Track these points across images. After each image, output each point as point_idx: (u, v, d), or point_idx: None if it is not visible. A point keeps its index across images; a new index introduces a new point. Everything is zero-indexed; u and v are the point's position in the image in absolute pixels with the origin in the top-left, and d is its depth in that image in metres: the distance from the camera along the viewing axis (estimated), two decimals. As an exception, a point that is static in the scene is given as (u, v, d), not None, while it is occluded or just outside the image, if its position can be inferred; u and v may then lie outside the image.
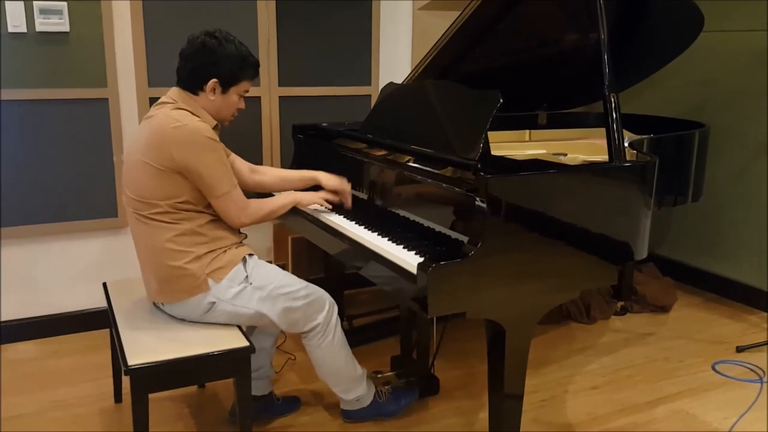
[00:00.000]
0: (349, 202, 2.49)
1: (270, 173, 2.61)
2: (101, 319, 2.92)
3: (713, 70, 3.72)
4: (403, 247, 2.02)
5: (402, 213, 2.27)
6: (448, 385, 2.75)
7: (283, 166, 3.38)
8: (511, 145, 2.93)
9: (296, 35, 3.38)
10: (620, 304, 3.63)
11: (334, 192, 2.48)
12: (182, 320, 2.18)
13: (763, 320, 3.51)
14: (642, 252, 2.14)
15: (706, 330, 3.40)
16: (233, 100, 2.21)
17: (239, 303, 2.14)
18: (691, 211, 3.74)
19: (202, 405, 2.62)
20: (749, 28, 3.48)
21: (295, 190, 2.55)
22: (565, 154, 2.84)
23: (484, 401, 2.63)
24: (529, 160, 2.35)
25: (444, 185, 2.04)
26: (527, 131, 3.25)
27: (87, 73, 3.00)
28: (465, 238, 1.92)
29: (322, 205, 2.47)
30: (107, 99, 3.06)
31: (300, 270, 3.22)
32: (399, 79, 2.94)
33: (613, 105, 2.20)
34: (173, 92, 2.18)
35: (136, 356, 1.95)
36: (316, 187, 2.54)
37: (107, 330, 2.45)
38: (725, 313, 3.62)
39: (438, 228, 2.07)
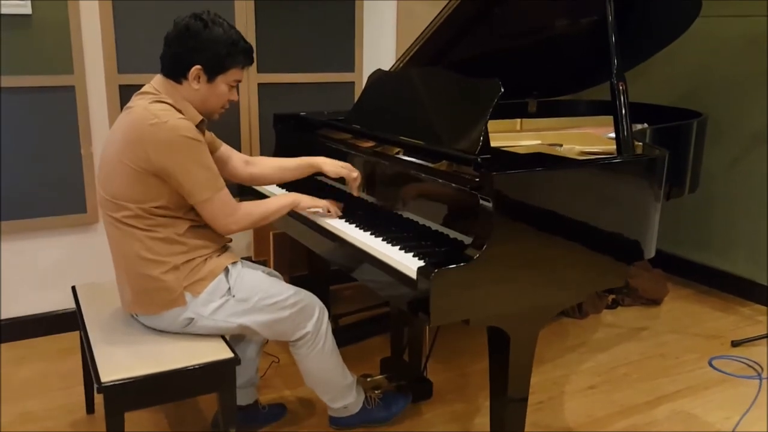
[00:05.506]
0: (356, 191, 2.27)
1: (265, 163, 2.36)
2: (70, 322, 2.75)
3: (709, 57, 3.62)
4: (400, 249, 1.88)
5: (395, 210, 2.11)
6: (440, 388, 2.62)
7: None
8: (503, 136, 2.79)
9: (276, 18, 3.20)
10: (611, 297, 3.54)
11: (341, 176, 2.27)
12: (161, 331, 2.00)
13: (756, 312, 3.45)
14: (651, 250, 2.04)
15: (699, 323, 3.33)
16: (221, 90, 1.98)
17: (220, 317, 1.97)
18: (682, 202, 3.64)
19: (182, 416, 2.46)
20: (746, 13, 3.39)
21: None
22: (561, 145, 2.71)
23: (479, 405, 2.53)
24: (531, 153, 2.22)
25: (441, 181, 1.90)
26: (518, 120, 3.12)
27: (51, 59, 2.81)
28: (464, 238, 1.79)
29: (325, 211, 2.24)
30: (74, 86, 2.87)
31: (282, 267, 3.06)
32: (383, 65, 2.79)
33: (621, 94, 2.08)
34: (156, 81, 1.97)
35: (111, 372, 1.78)
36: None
37: (77, 333, 2.27)
38: (717, 305, 3.55)
39: (435, 227, 1.94)
